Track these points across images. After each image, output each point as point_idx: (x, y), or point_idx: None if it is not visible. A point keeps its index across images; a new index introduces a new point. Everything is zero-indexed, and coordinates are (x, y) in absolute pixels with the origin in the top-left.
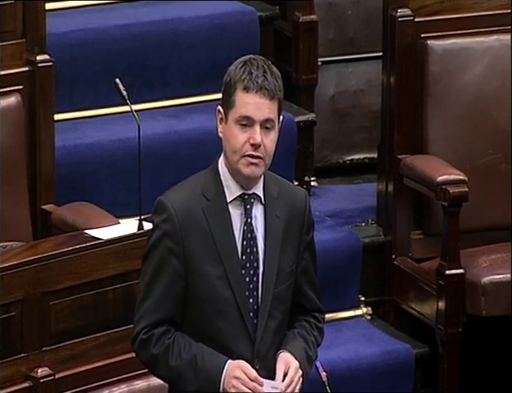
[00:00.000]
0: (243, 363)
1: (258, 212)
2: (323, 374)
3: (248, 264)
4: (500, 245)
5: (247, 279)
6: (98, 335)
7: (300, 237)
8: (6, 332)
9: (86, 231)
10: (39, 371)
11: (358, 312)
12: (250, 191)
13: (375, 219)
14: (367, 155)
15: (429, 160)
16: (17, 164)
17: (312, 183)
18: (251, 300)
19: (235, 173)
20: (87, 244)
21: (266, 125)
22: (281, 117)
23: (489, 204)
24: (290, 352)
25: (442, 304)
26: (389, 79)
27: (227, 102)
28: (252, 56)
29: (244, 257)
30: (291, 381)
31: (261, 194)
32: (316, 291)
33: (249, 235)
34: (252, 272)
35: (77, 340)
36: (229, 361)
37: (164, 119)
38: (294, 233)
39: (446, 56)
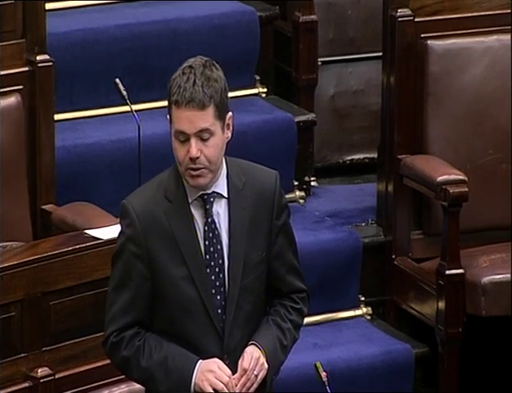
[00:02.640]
0: (219, 360)
1: (220, 208)
2: (323, 374)
3: (212, 263)
4: (500, 245)
5: (213, 277)
6: (98, 335)
7: (270, 223)
8: (6, 332)
9: (86, 231)
10: (39, 371)
11: (358, 312)
12: (210, 191)
13: (374, 219)
14: (367, 155)
15: (429, 160)
16: (17, 164)
17: (312, 183)
18: (218, 297)
19: (186, 181)
20: (87, 244)
21: (202, 136)
22: (228, 114)
23: (489, 204)
24: (258, 343)
25: (442, 304)
26: (389, 79)
27: (169, 115)
28: (191, 61)
29: (207, 256)
30: (244, 371)
31: (222, 190)
32: (295, 274)
33: (211, 234)
34: (217, 269)
35: (77, 340)
36: (200, 360)
37: (164, 119)
38: (262, 220)
39: (446, 56)
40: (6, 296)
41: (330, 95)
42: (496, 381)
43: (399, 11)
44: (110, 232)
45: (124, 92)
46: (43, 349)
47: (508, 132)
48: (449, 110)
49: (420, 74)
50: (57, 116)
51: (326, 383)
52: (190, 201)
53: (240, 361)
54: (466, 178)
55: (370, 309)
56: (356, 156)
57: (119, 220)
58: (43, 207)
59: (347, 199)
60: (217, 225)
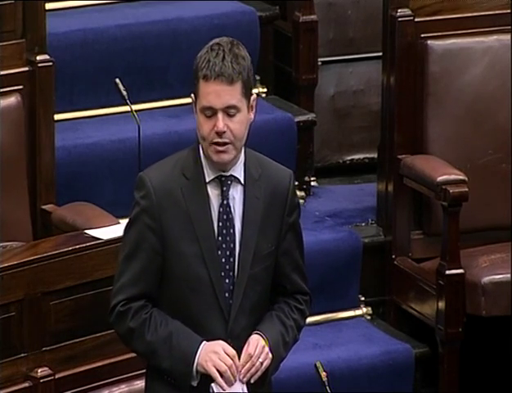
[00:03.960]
0: (223, 342)
1: (236, 193)
2: (323, 374)
3: (224, 245)
4: (500, 245)
5: (223, 260)
6: (98, 335)
7: (282, 219)
8: (6, 332)
9: (86, 231)
10: (39, 371)
11: (358, 312)
12: (228, 173)
13: (374, 219)
14: (367, 155)
15: (429, 160)
16: (17, 164)
17: (312, 183)
18: (227, 281)
19: (208, 157)
20: (87, 244)
21: (228, 112)
22: (253, 96)
23: (489, 204)
24: (262, 333)
25: (442, 304)
26: (389, 79)
27: (195, 91)
28: (218, 40)
29: (220, 238)
30: (249, 357)
31: (239, 175)
32: (300, 274)
33: (225, 216)
34: (228, 252)
35: (77, 340)
36: (205, 342)
37: (164, 119)
38: (275, 215)
39: (446, 56)
40: (6, 296)
41: (330, 95)
42: (496, 381)
43: (399, 11)
44: (110, 232)
45: (124, 92)
46: (43, 349)
47: (508, 132)
48: (449, 110)
49: (420, 74)
50: (57, 116)
51: (326, 383)
52: (207, 180)
53: (245, 347)
54: (466, 178)
55: (370, 309)
56: (356, 156)
57: (134, 191)
58: (43, 207)
59: (347, 199)
60: (232, 209)
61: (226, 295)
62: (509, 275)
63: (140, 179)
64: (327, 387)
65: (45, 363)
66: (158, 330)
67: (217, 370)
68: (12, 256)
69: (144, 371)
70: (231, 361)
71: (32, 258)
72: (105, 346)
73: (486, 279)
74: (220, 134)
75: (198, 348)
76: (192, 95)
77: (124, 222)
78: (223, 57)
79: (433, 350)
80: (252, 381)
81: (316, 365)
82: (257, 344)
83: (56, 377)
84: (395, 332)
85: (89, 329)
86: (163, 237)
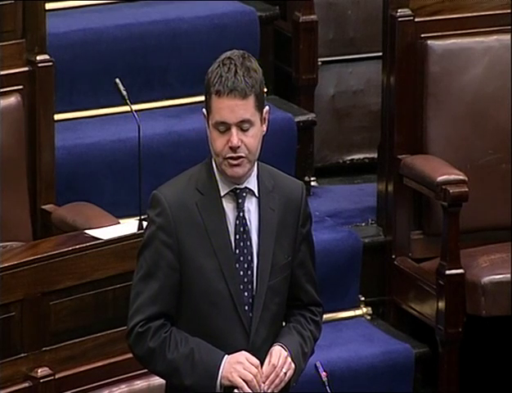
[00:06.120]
0: (246, 352)
1: (251, 205)
2: (323, 374)
3: (241, 258)
4: (500, 245)
5: (241, 272)
6: (98, 335)
7: (296, 230)
8: (6, 332)
9: (86, 231)
10: (39, 371)
11: (358, 312)
12: (242, 186)
13: (374, 219)
14: (367, 155)
15: (429, 160)
16: (17, 164)
17: (312, 183)
18: (246, 294)
19: (222, 172)
20: (87, 244)
21: (242, 126)
22: (266, 108)
23: (489, 204)
24: (283, 345)
25: (442, 304)
26: (389, 79)
27: (207, 107)
28: (229, 53)
29: (237, 251)
30: (273, 368)
31: (254, 187)
32: (313, 284)
33: (242, 229)
34: (246, 265)
35: (77, 340)
36: (227, 355)
37: (164, 119)
38: (289, 226)
39: (446, 56)
40: (6, 296)
41: (330, 95)
42: (496, 381)
43: (399, 11)
44: (110, 232)
45: (124, 92)
46: (43, 349)
47: (508, 132)
48: (449, 110)
49: (420, 74)
50: (57, 116)
51: (326, 383)
52: (222, 194)
53: (268, 357)
54: (466, 178)
55: (370, 309)
56: (356, 156)
57: (147, 210)
58: (43, 207)
59: (347, 199)
60: (248, 221)
61: (246, 308)
62: (509, 275)
63: (154, 197)
64: (327, 387)
65: (45, 363)
66: (179, 348)
67: (243, 380)
68: (12, 256)
69: (144, 371)
70: (256, 370)
71: (32, 258)
72: (105, 346)
73: (486, 279)
74: (234, 149)
75: (221, 361)
76: (204, 110)
77: (124, 222)
78: (235, 72)
79: (433, 350)
80: (275, 391)
81: (316, 365)
82: (280, 354)
83: (56, 377)
84: (395, 332)
85: (89, 329)
86: (181, 253)
